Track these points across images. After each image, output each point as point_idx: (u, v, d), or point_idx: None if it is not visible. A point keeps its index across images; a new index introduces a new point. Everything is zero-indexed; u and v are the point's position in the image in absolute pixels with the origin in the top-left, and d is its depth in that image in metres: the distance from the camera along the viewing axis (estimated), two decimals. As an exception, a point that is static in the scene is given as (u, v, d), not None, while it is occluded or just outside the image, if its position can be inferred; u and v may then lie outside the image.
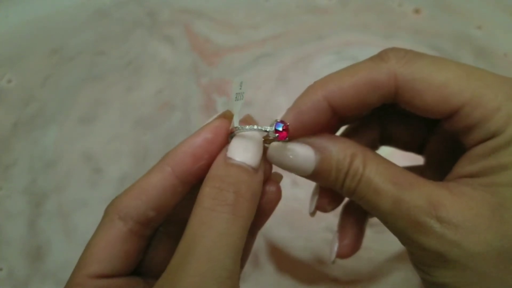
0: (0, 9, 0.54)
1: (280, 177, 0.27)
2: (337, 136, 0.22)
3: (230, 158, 0.20)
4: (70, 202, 0.41)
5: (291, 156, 0.21)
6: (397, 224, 0.19)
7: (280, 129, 0.20)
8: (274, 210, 0.27)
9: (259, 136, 0.21)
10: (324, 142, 0.21)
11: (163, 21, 0.53)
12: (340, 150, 0.20)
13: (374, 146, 0.27)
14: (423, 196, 0.19)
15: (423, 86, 0.19)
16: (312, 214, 0.26)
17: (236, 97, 0.22)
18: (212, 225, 0.18)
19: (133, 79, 0.48)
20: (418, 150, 0.27)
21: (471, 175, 0.19)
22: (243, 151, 0.20)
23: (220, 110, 0.45)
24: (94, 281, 0.20)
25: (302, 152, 0.21)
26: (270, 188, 0.23)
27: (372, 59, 0.21)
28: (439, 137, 0.25)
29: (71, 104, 0.47)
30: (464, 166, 0.20)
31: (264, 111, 0.43)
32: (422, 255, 0.19)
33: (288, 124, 0.21)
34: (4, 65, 0.50)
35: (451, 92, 0.19)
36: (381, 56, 0.20)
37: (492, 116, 0.19)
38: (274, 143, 0.21)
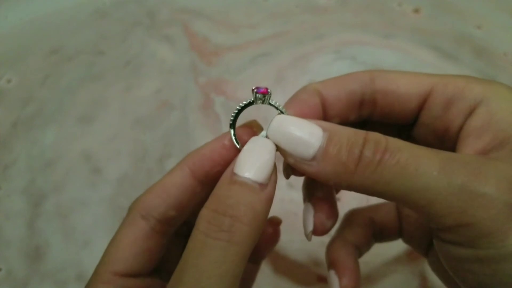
0: (0, 9, 0.54)
1: (279, 220, 0.27)
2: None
3: (235, 174, 0.18)
4: (69, 202, 0.41)
5: (296, 130, 0.19)
6: (453, 183, 0.16)
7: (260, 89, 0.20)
8: (273, 247, 0.28)
9: (271, 146, 0.19)
10: (331, 124, 0.20)
11: (162, 20, 0.53)
12: (350, 129, 0.19)
13: None
14: (470, 155, 0.18)
15: (395, 76, 0.22)
16: (309, 236, 0.23)
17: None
18: (204, 252, 0.17)
19: (132, 79, 0.48)
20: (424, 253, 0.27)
21: (485, 149, 0.19)
22: (250, 166, 0.19)
23: (218, 109, 0.45)
24: (120, 279, 0.20)
25: (308, 127, 0.19)
26: (268, 229, 0.23)
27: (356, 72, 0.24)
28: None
29: (70, 104, 0.47)
30: (471, 144, 0.19)
31: (260, 110, 0.43)
32: (487, 218, 0.16)
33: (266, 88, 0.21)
34: (3, 65, 0.50)
35: (420, 77, 0.21)
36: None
37: (466, 87, 0.20)
38: (279, 116, 0.20)
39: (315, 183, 0.23)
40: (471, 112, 0.20)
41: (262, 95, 0.21)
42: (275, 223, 0.28)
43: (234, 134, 0.21)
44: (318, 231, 0.22)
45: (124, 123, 0.45)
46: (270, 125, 0.20)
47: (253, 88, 0.21)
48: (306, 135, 0.19)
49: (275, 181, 0.20)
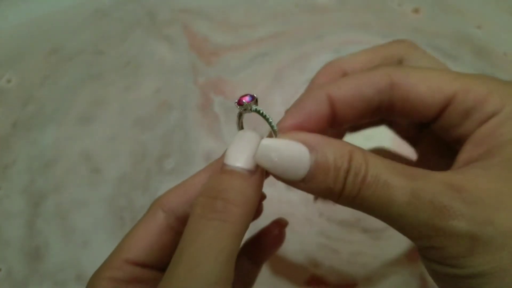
0: (0, 9, 0.54)
1: (285, 222, 0.27)
2: (328, 137, 0.20)
3: (225, 165, 0.20)
4: (68, 202, 0.41)
5: (283, 156, 0.19)
6: (419, 216, 0.18)
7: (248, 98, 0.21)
8: (278, 249, 0.28)
9: (256, 138, 0.21)
10: (318, 140, 0.20)
11: (162, 20, 0.53)
12: (336, 148, 0.19)
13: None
14: (441, 182, 0.18)
15: (415, 80, 0.21)
16: (315, 199, 0.24)
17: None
18: (201, 231, 0.18)
19: (131, 79, 0.48)
20: (412, 143, 0.27)
21: (479, 158, 0.19)
22: (237, 155, 0.20)
23: (217, 109, 0.45)
24: (130, 267, 0.21)
25: (295, 151, 0.19)
26: (274, 231, 0.24)
27: (371, 68, 0.22)
28: (432, 137, 0.25)
29: (70, 104, 0.47)
30: (468, 152, 0.20)
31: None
32: (450, 245, 0.17)
33: (251, 95, 0.21)
34: (3, 65, 0.50)
35: (442, 82, 0.20)
36: (378, 67, 0.22)
37: (486, 99, 0.19)
38: (263, 141, 0.20)
39: None
40: (483, 122, 0.20)
41: (241, 107, 0.21)
42: (281, 224, 0.28)
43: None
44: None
45: (123, 123, 0.45)
46: (257, 152, 0.20)
47: (235, 102, 0.21)
48: (292, 161, 0.19)
49: (262, 170, 0.21)
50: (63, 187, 0.42)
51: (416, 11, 0.51)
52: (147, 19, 0.53)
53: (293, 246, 0.37)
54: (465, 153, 0.20)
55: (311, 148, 0.19)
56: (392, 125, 0.27)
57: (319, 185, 0.19)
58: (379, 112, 0.22)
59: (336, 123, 0.22)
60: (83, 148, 0.44)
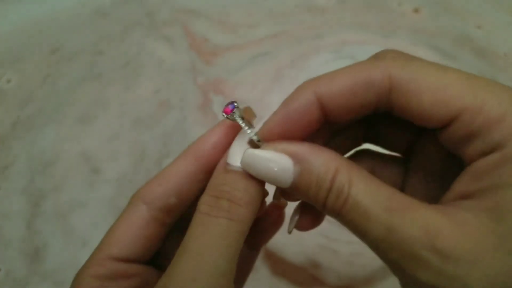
0: (0, 9, 0.54)
1: (284, 203, 0.27)
2: (319, 146, 0.20)
3: (228, 164, 0.20)
4: (68, 202, 0.41)
5: (267, 166, 0.19)
6: (390, 255, 0.17)
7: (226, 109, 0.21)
8: (277, 231, 0.28)
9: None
10: (305, 151, 0.19)
11: (162, 20, 0.53)
12: (322, 163, 0.18)
13: (356, 144, 0.25)
14: (418, 223, 0.17)
15: (420, 87, 0.18)
16: (290, 232, 0.24)
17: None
18: (208, 227, 0.19)
19: (131, 79, 0.48)
20: (404, 153, 0.25)
21: (473, 195, 0.17)
22: (240, 155, 0.20)
23: (216, 109, 0.45)
24: (113, 263, 0.21)
25: (279, 163, 0.19)
26: (273, 214, 0.24)
27: (368, 59, 0.20)
28: (431, 145, 0.22)
29: (70, 104, 0.47)
30: (464, 184, 0.18)
31: (257, 109, 0.43)
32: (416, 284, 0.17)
33: (234, 103, 0.21)
34: (3, 65, 0.50)
35: (451, 95, 0.17)
36: (377, 56, 0.20)
37: (496, 125, 0.17)
38: (249, 150, 0.20)
39: None
40: (487, 153, 0.17)
41: (228, 115, 0.21)
42: (280, 206, 0.28)
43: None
44: (299, 229, 0.24)
45: (123, 123, 0.45)
46: (241, 160, 0.20)
47: (222, 114, 0.22)
48: (276, 172, 0.19)
49: None
50: (63, 187, 0.42)
51: (416, 11, 0.51)
52: (147, 19, 0.53)
53: (292, 247, 0.37)
54: (460, 184, 0.18)
55: (296, 160, 0.19)
56: (376, 141, 0.25)
57: (303, 197, 0.20)
58: (376, 112, 0.20)
59: (328, 123, 0.21)
60: (83, 148, 0.44)
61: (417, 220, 0.17)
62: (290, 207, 0.25)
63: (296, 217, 0.24)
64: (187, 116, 0.45)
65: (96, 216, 0.40)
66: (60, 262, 0.38)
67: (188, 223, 0.24)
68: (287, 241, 0.37)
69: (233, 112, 0.21)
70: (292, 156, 0.19)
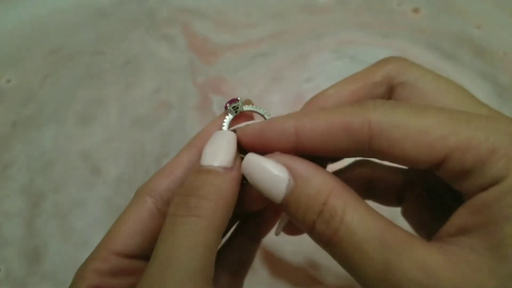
0: (0, 9, 0.54)
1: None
2: (320, 168, 0.19)
3: (201, 165, 0.20)
4: (68, 202, 0.41)
5: (264, 174, 0.19)
6: None
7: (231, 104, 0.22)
8: (272, 227, 0.27)
9: (230, 136, 0.21)
10: (304, 169, 0.18)
11: (162, 20, 0.53)
12: (316, 183, 0.18)
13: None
14: (416, 263, 0.16)
15: (401, 134, 0.17)
16: (277, 234, 0.24)
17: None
18: (174, 229, 0.18)
19: (131, 78, 0.48)
20: (397, 202, 0.25)
21: (472, 230, 0.16)
22: (213, 154, 0.20)
23: (216, 109, 0.45)
24: (116, 258, 0.21)
25: (276, 172, 0.19)
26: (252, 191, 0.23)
27: (351, 104, 0.19)
28: (419, 187, 0.22)
29: (70, 104, 0.47)
30: (463, 218, 0.17)
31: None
32: None
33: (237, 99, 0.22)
34: (3, 65, 0.50)
35: (434, 138, 0.17)
36: (360, 104, 0.19)
37: (489, 159, 0.16)
38: (249, 156, 0.20)
39: None
40: (486, 187, 0.16)
41: (232, 106, 0.22)
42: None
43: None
44: (288, 232, 0.24)
45: (123, 123, 0.45)
46: (242, 165, 0.20)
47: (226, 105, 0.22)
48: (270, 184, 0.19)
49: (239, 166, 0.20)
50: (63, 187, 0.42)
51: (416, 11, 0.51)
52: (146, 19, 0.53)
53: (291, 247, 0.37)
54: (458, 219, 0.17)
55: (293, 175, 0.18)
56: (373, 195, 0.25)
57: (291, 215, 0.19)
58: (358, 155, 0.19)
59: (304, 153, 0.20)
60: (83, 148, 0.44)
61: (415, 259, 0.16)
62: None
63: (286, 220, 0.24)
64: (186, 116, 0.45)
65: (96, 216, 0.40)
66: (60, 262, 0.38)
67: None
68: (286, 241, 0.37)
69: (239, 103, 0.22)
70: (290, 169, 0.19)
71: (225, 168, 0.20)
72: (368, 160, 0.25)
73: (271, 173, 0.19)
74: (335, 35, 0.50)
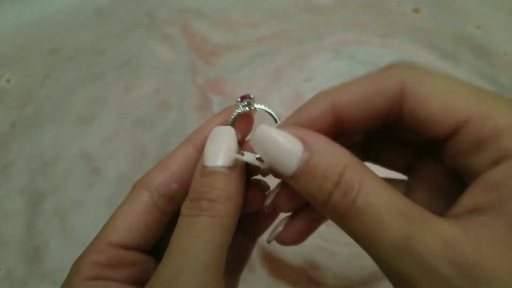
0: (0, 9, 0.54)
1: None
2: (334, 141, 0.19)
3: (205, 166, 0.20)
4: (67, 202, 0.41)
5: (276, 145, 0.18)
6: (403, 269, 0.16)
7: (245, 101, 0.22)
8: (273, 221, 0.27)
9: (230, 133, 0.21)
10: (318, 140, 0.18)
11: (162, 20, 0.53)
12: (333, 155, 0.18)
13: None
14: (438, 236, 0.15)
15: (429, 92, 0.18)
16: (267, 207, 0.23)
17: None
18: (189, 227, 0.19)
19: (131, 79, 0.48)
20: (404, 172, 0.24)
21: (486, 209, 0.16)
22: (215, 155, 0.21)
23: (216, 109, 0.45)
24: (113, 250, 0.21)
25: (289, 144, 0.18)
26: (250, 191, 0.23)
27: (381, 68, 0.20)
28: (431, 164, 0.22)
29: (69, 104, 0.47)
30: (475, 197, 0.17)
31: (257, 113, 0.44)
32: None
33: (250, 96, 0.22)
34: (3, 64, 0.50)
35: (458, 101, 0.17)
36: (391, 65, 0.20)
37: (506, 132, 0.16)
38: (263, 126, 0.19)
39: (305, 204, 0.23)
40: (498, 162, 0.16)
41: (245, 102, 0.22)
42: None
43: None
44: (280, 241, 0.23)
45: (123, 123, 0.45)
46: (253, 136, 0.19)
47: (238, 99, 0.23)
48: (284, 154, 0.18)
49: (242, 162, 0.21)
50: (63, 187, 0.42)
51: (415, 11, 0.51)
52: (146, 19, 0.53)
53: (291, 248, 0.37)
54: (471, 197, 0.17)
55: (306, 146, 0.18)
56: (376, 160, 0.24)
57: (304, 188, 0.18)
58: (386, 125, 0.20)
59: (341, 135, 0.20)
60: (82, 148, 0.44)
61: (435, 232, 0.16)
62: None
63: (280, 229, 0.23)
64: (186, 116, 0.45)
65: (95, 215, 0.40)
66: (59, 262, 0.38)
67: None
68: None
69: (252, 100, 0.22)
70: (304, 141, 0.18)
71: (228, 168, 0.20)
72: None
73: (284, 144, 0.18)
74: (335, 35, 0.50)
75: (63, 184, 0.42)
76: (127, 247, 0.21)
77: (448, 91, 0.18)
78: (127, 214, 0.22)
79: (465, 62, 0.47)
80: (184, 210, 0.20)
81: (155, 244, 0.23)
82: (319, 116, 0.19)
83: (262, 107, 0.23)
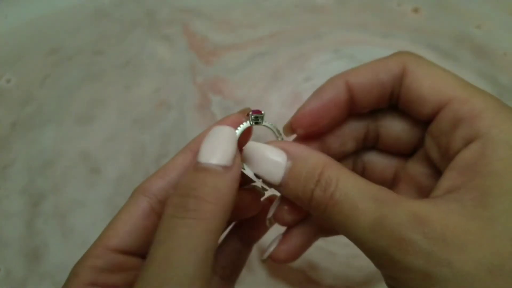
0: (0, 9, 0.54)
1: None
2: (313, 149, 0.22)
3: (198, 162, 0.19)
4: (67, 202, 0.41)
5: (263, 158, 0.21)
6: (378, 244, 0.17)
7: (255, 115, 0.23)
8: (269, 229, 0.27)
9: (230, 132, 0.21)
10: (299, 150, 0.21)
11: (162, 20, 0.53)
12: (312, 160, 0.20)
13: (356, 150, 0.26)
14: (407, 212, 0.17)
15: (423, 74, 0.21)
16: (269, 223, 0.24)
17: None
18: (172, 230, 0.18)
19: (131, 78, 0.48)
20: (391, 182, 0.26)
21: (459, 188, 0.18)
22: (211, 152, 0.20)
23: (215, 109, 0.45)
24: (112, 254, 0.21)
25: (274, 156, 0.21)
26: (266, 210, 0.24)
27: (388, 56, 0.23)
28: (419, 166, 0.24)
29: (69, 104, 0.47)
30: (451, 179, 0.19)
31: (254, 108, 0.44)
32: (405, 278, 0.17)
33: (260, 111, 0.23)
34: (3, 65, 0.50)
35: (445, 85, 0.21)
36: (396, 52, 0.23)
37: (479, 115, 0.19)
38: (251, 142, 0.22)
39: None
40: (470, 141, 0.19)
41: (254, 117, 0.23)
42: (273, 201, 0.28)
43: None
44: (275, 259, 0.24)
45: (122, 123, 0.45)
46: (244, 149, 0.22)
47: (249, 112, 0.23)
48: (271, 165, 0.21)
49: (239, 164, 0.21)
50: (62, 187, 0.42)
51: (415, 11, 0.51)
52: (146, 19, 0.53)
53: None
54: (446, 180, 0.19)
55: (290, 156, 0.21)
56: (376, 143, 0.26)
57: (291, 192, 0.21)
58: (391, 98, 0.23)
59: (354, 110, 0.23)
60: (82, 148, 0.44)
61: (405, 209, 0.18)
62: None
63: (273, 247, 0.24)
64: (186, 116, 0.45)
65: (95, 215, 0.40)
66: (59, 262, 0.38)
67: None
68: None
69: (262, 115, 0.23)
70: (287, 152, 0.21)
71: (224, 167, 0.19)
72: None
73: (273, 154, 0.21)
74: (334, 35, 0.50)
75: (63, 184, 0.42)
76: (125, 252, 0.21)
77: (438, 76, 0.21)
78: (126, 219, 0.22)
79: (465, 62, 0.47)
80: (168, 208, 0.19)
81: None
82: (336, 93, 0.22)
83: (269, 125, 0.24)
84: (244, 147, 0.22)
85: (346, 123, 0.24)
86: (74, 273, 0.20)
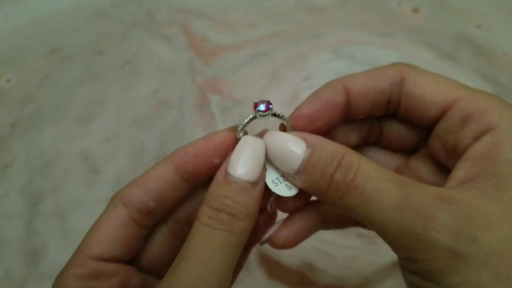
0: (0, 9, 0.54)
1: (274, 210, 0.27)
2: (330, 140, 0.22)
3: (229, 174, 0.20)
4: (67, 202, 0.41)
5: (283, 145, 0.21)
6: (403, 223, 0.18)
7: (264, 106, 0.22)
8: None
9: (261, 145, 0.21)
10: (318, 139, 0.21)
11: (161, 20, 0.53)
12: (333, 147, 0.20)
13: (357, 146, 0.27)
14: (431, 192, 0.18)
15: (424, 79, 0.22)
16: (270, 207, 0.25)
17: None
18: (209, 237, 0.19)
19: (130, 78, 0.48)
20: (405, 153, 0.26)
21: (474, 178, 0.19)
22: (241, 165, 0.21)
23: (215, 109, 0.45)
24: (94, 262, 0.21)
25: (293, 142, 0.21)
26: (265, 214, 0.25)
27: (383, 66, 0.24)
28: (421, 162, 0.25)
29: (69, 104, 0.47)
30: (464, 170, 0.20)
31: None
32: (431, 258, 0.17)
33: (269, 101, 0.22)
34: (3, 64, 0.50)
35: (448, 87, 0.21)
36: (392, 63, 0.23)
37: (486, 111, 0.20)
38: (270, 131, 0.22)
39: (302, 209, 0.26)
40: (480, 135, 0.20)
41: (263, 113, 0.22)
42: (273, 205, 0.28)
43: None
44: (272, 244, 0.25)
45: (122, 123, 0.45)
46: (264, 136, 0.22)
47: (255, 101, 0.22)
48: (289, 152, 0.21)
49: (264, 178, 0.22)
50: (62, 187, 0.42)
51: (415, 10, 0.51)
52: (146, 19, 0.53)
53: (288, 250, 0.37)
54: (460, 171, 0.20)
55: (309, 144, 0.21)
56: (378, 141, 0.27)
57: (308, 179, 0.21)
58: (389, 106, 0.23)
59: (350, 115, 0.24)
60: (82, 148, 0.44)
61: (428, 191, 0.18)
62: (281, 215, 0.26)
63: (273, 229, 0.25)
64: (185, 116, 0.45)
65: (95, 215, 0.40)
66: (59, 262, 0.38)
67: (171, 227, 0.24)
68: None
69: (270, 111, 0.22)
70: (305, 140, 0.21)
71: (252, 183, 0.21)
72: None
73: (290, 143, 0.21)
74: (334, 34, 0.50)
75: (62, 184, 0.42)
76: (107, 259, 0.22)
77: (439, 81, 0.22)
78: (107, 228, 0.22)
79: (465, 62, 0.47)
80: (203, 217, 0.20)
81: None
82: (333, 96, 0.22)
83: (280, 115, 0.23)
84: (264, 136, 0.22)
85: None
86: (58, 282, 0.21)
